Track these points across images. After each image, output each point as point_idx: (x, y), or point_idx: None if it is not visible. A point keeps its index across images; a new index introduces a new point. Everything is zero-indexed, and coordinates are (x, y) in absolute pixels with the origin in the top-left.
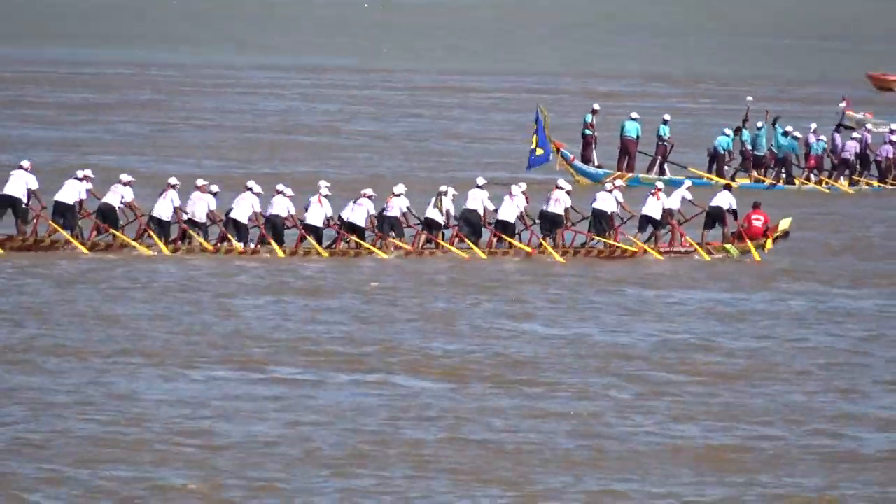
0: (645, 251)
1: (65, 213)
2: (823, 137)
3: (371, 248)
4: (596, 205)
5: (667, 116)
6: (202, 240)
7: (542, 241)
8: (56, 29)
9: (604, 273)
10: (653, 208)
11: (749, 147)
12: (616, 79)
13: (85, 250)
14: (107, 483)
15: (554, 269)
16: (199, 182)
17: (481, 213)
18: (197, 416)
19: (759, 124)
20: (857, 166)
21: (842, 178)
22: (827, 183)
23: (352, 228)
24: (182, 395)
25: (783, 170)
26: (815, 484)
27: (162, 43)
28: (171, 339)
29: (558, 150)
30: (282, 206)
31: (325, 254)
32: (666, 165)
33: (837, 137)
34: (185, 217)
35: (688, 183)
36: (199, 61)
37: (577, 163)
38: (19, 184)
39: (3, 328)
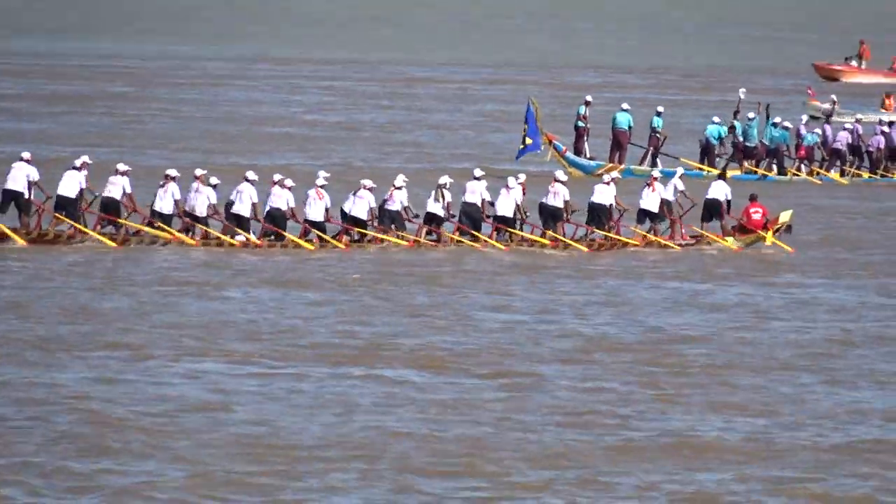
0: (663, 245)
1: (66, 207)
2: (818, 130)
3: (395, 239)
4: (594, 198)
5: (660, 108)
6: (248, 234)
7: (534, 236)
8: (30, 21)
9: (595, 266)
10: (650, 201)
11: (740, 138)
12: (593, 69)
13: (108, 242)
14: (95, 475)
15: (548, 261)
16: (198, 172)
17: (480, 206)
18: (183, 408)
19: (751, 115)
20: (850, 156)
21: (833, 169)
22: (818, 174)
23: (354, 222)
24: (168, 389)
25: (775, 161)
26: (802, 475)
27: (124, 33)
28: (189, 328)
29: (550, 141)
30: (281, 199)
31: (342, 245)
32: (658, 157)
33: (828, 129)
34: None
35: (680, 171)
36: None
37: (570, 154)
38: (21, 177)
39: (29, 322)
